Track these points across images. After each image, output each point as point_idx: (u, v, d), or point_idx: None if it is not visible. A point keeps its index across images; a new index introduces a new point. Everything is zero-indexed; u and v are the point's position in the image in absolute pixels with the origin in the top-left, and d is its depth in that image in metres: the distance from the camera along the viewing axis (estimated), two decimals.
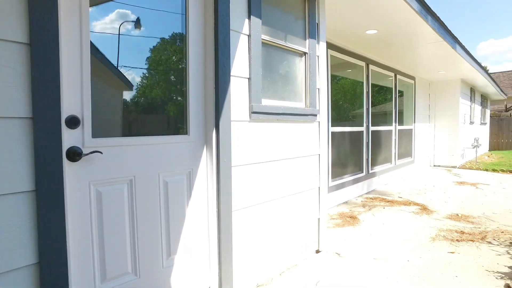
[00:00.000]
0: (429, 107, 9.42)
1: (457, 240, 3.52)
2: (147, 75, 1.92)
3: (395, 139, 7.22)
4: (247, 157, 2.34)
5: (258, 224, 2.46)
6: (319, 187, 3.13)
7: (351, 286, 2.53)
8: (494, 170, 8.67)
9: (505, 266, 2.90)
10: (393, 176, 7.13)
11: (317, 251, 3.16)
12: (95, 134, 1.63)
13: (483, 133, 14.22)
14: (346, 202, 5.31)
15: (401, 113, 7.58)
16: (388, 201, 5.31)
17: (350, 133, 5.54)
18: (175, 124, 2.07)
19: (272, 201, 2.58)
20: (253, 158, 2.39)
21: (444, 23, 4.57)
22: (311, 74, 2.93)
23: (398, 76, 7.27)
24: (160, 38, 1.96)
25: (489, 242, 3.46)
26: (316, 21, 2.97)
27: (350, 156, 5.59)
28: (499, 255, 3.14)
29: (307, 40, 2.90)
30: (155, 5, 1.92)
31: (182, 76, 2.07)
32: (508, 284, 2.55)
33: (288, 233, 2.76)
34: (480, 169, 8.89)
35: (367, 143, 6.02)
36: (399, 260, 3.00)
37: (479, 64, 7.73)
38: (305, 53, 2.90)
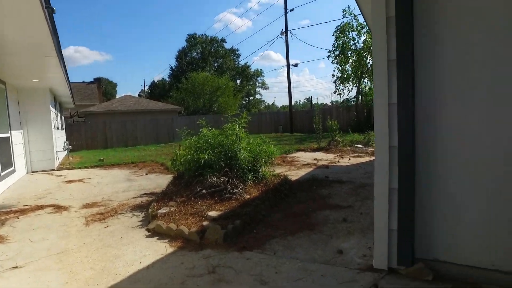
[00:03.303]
0: (20, 113, 9.26)
1: (103, 219, 4.57)
2: None
3: None
4: None
5: None
6: None
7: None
8: (85, 167, 10.35)
9: (138, 221, 4.40)
10: (1, 188, 6.61)
11: None
12: None
13: (64, 137, 15.70)
14: None
15: None
16: (21, 211, 5.17)
17: None
18: None
19: None
20: None
21: (60, 43, 5.23)
22: None
23: None
24: None
25: (121, 213, 4.84)
26: None
27: None
28: (131, 217, 4.61)
29: None
30: None
31: None
32: (147, 227, 4.03)
33: None
34: (76, 168, 10.24)
35: None
36: (77, 246, 3.56)
37: (68, 76, 8.91)
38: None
